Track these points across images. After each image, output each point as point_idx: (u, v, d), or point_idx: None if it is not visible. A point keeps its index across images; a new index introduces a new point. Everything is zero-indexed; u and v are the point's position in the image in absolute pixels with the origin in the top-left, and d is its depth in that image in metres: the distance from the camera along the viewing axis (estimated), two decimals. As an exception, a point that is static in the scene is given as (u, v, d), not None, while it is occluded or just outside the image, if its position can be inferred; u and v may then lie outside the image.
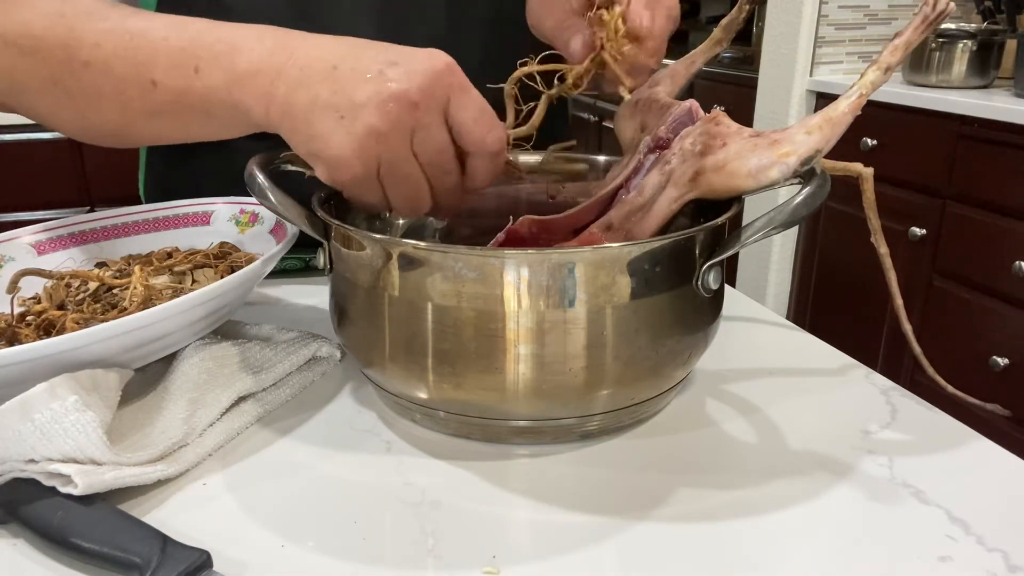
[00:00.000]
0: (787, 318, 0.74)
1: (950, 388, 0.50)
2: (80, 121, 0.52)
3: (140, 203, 0.69)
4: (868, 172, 0.46)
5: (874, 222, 0.47)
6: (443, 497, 0.40)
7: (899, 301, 0.49)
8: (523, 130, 0.51)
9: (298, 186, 0.47)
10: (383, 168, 0.43)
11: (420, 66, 0.42)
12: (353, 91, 0.42)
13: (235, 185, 0.63)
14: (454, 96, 0.43)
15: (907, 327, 0.50)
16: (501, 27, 0.66)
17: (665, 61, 0.62)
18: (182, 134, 0.51)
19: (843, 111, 0.42)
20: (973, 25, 1.83)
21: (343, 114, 0.42)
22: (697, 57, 0.58)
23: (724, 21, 0.58)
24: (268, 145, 0.49)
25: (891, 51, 0.42)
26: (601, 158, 0.59)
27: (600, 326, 0.40)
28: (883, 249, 0.48)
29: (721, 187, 0.43)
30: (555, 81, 0.51)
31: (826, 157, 0.43)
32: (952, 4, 0.41)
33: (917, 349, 0.50)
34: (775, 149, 0.42)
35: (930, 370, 0.50)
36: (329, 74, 0.43)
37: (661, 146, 0.48)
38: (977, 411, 0.50)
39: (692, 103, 0.48)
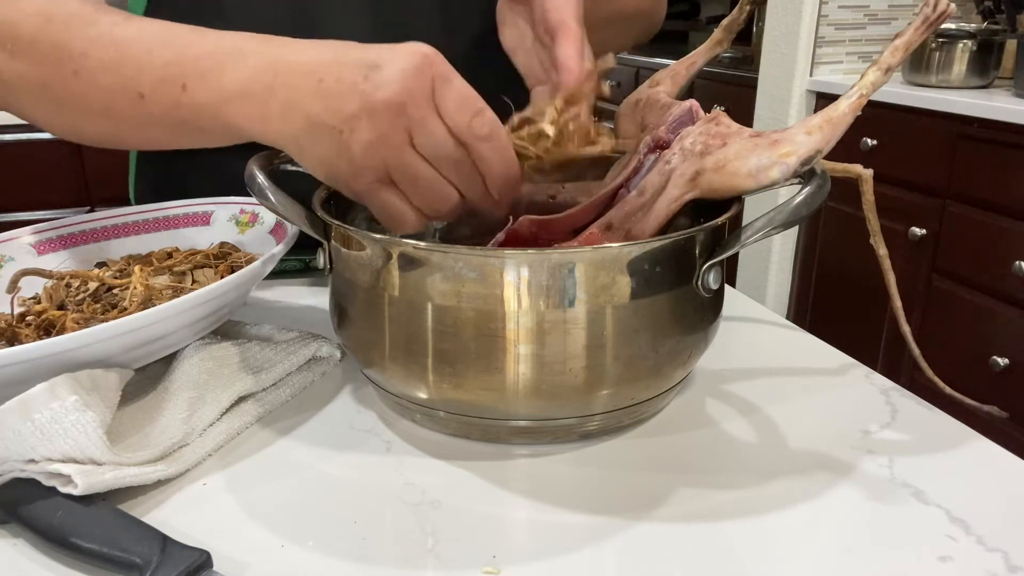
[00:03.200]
0: (787, 318, 0.74)
1: (948, 389, 0.50)
2: (71, 127, 0.52)
3: (131, 205, 0.69)
4: (868, 174, 0.46)
5: (873, 224, 0.47)
6: (443, 497, 0.40)
7: (898, 303, 0.49)
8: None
9: (298, 186, 0.47)
10: (393, 174, 0.43)
11: (400, 64, 0.41)
12: (343, 104, 0.42)
13: (228, 187, 0.63)
14: (437, 86, 0.42)
15: (906, 328, 0.50)
16: (494, 20, 0.66)
17: (666, 61, 0.62)
18: (175, 143, 0.51)
19: (843, 111, 0.42)
20: (973, 25, 1.83)
21: (341, 129, 0.42)
22: (698, 57, 0.58)
23: (725, 22, 0.58)
24: (261, 146, 0.49)
25: (891, 52, 0.42)
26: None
27: (600, 326, 0.40)
28: (882, 251, 0.48)
29: (721, 187, 0.43)
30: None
31: (826, 158, 0.43)
32: (953, 5, 0.41)
33: (916, 351, 0.50)
34: (776, 149, 0.42)
35: (928, 371, 0.50)
36: (317, 89, 0.42)
37: (661, 146, 0.48)
38: (975, 413, 0.50)
39: (692, 103, 0.48)
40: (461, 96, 0.43)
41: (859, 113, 0.42)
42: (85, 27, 0.49)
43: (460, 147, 0.43)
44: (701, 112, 0.47)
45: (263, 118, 0.44)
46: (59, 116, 0.52)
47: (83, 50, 0.48)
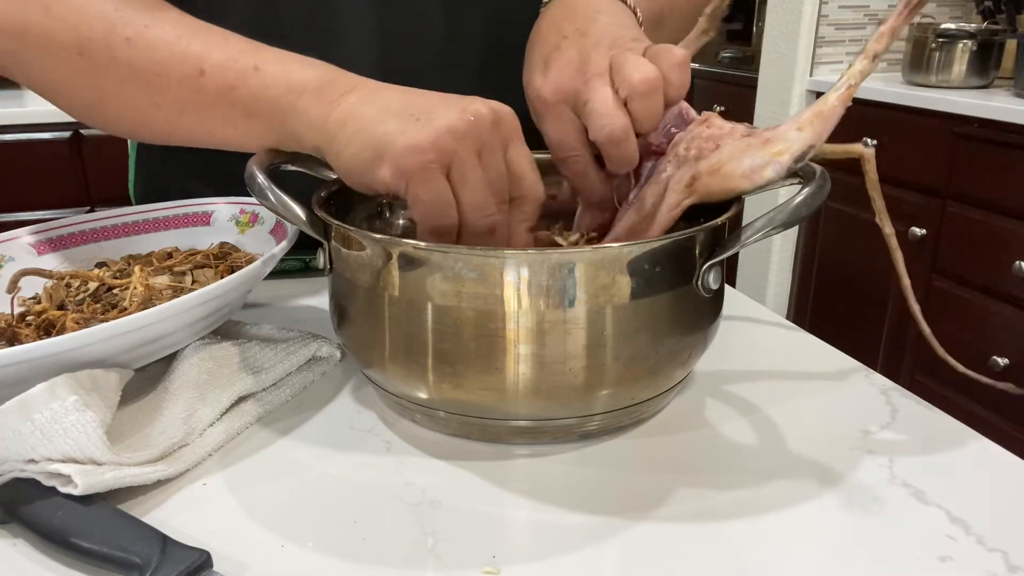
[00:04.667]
0: (787, 318, 0.74)
1: (961, 367, 0.49)
2: (94, 98, 0.51)
3: (132, 205, 0.68)
4: (870, 152, 0.45)
5: (878, 202, 0.46)
6: (443, 497, 0.40)
7: (906, 281, 0.48)
8: None
9: (298, 186, 0.47)
10: (456, 166, 0.42)
11: (494, 104, 0.43)
12: (430, 105, 0.42)
13: (228, 187, 0.63)
14: (515, 140, 0.44)
15: (915, 307, 0.48)
16: (500, 26, 0.66)
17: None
18: (207, 132, 0.50)
19: (833, 104, 0.42)
20: (973, 25, 1.83)
21: (418, 116, 0.42)
22: (685, 49, 0.57)
23: (708, 9, 0.57)
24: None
25: (877, 39, 0.42)
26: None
27: (600, 326, 0.40)
28: (888, 229, 0.47)
29: (718, 190, 0.43)
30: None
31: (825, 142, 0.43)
32: None
33: (927, 330, 0.49)
34: (768, 148, 0.42)
35: (940, 350, 0.49)
36: (405, 93, 0.44)
37: (655, 151, 0.48)
38: (990, 389, 0.49)
39: (682, 105, 0.47)
40: (532, 160, 0.45)
41: (849, 103, 0.42)
42: (155, 9, 0.49)
43: (506, 194, 0.45)
44: (692, 112, 0.47)
45: (331, 105, 0.45)
46: (86, 85, 0.50)
47: (146, 22, 0.48)
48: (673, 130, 0.47)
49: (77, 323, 0.47)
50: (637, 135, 0.47)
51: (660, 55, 0.46)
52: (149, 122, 0.51)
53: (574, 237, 0.52)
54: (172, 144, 0.53)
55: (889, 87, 1.84)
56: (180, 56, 0.47)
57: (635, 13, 0.53)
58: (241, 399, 0.47)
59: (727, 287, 0.51)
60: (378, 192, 0.44)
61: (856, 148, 0.45)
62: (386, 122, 0.42)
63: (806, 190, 0.41)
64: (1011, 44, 1.81)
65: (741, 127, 0.44)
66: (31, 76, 0.52)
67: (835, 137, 0.43)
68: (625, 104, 0.45)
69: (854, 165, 0.46)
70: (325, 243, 0.46)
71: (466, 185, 0.42)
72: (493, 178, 0.43)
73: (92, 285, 0.52)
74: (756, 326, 0.62)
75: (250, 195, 0.45)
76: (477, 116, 0.42)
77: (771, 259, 2.20)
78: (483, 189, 0.43)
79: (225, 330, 0.54)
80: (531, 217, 0.46)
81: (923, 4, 0.41)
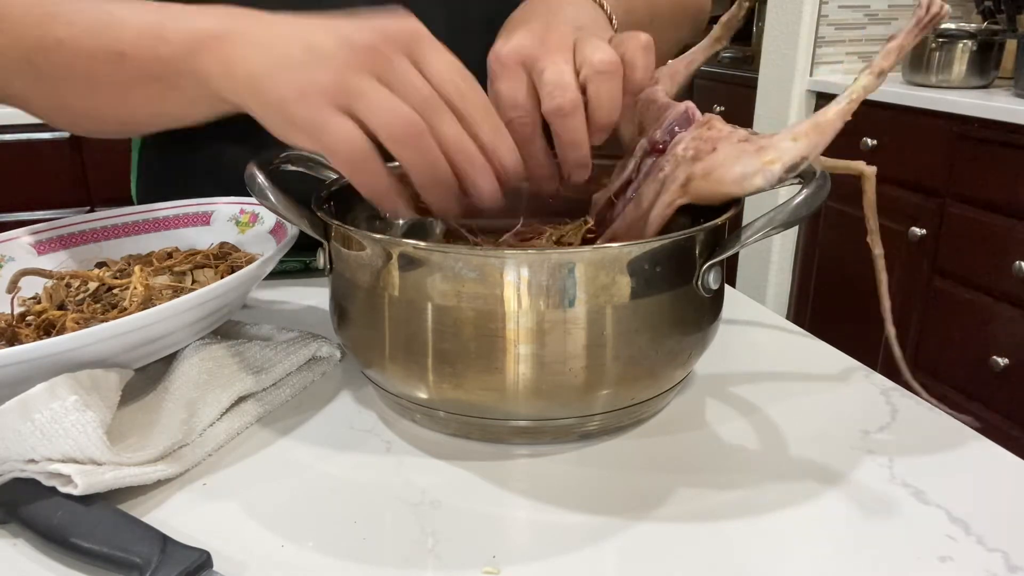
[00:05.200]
0: (787, 318, 0.74)
1: (924, 394, 0.50)
2: (50, 101, 0.52)
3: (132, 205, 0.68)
4: (870, 171, 0.45)
5: (871, 223, 0.47)
6: (443, 497, 0.40)
7: (886, 303, 0.49)
8: None
9: (298, 186, 0.47)
10: (353, 101, 0.39)
11: (387, 21, 0.41)
12: (312, 42, 0.41)
13: (228, 187, 0.63)
14: (423, 48, 0.42)
15: (891, 330, 0.50)
16: (500, 27, 0.66)
17: (665, 58, 0.61)
18: (151, 112, 0.50)
19: (831, 117, 0.41)
20: (973, 25, 1.83)
21: (303, 59, 0.40)
22: (697, 55, 0.58)
23: (724, 18, 0.58)
24: (259, 146, 0.49)
25: (884, 56, 0.42)
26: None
27: (600, 326, 0.40)
28: (878, 251, 0.47)
29: (709, 193, 0.43)
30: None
31: (827, 154, 0.43)
32: (947, 7, 0.41)
33: (898, 352, 0.50)
34: (760, 156, 0.41)
35: (907, 374, 0.50)
36: (286, 29, 0.42)
37: (657, 150, 0.48)
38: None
39: (688, 105, 0.47)
40: (452, 61, 0.42)
41: (849, 118, 0.42)
42: (76, 1, 0.49)
43: (437, 97, 0.41)
44: (698, 114, 0.47)
45: (228, 60, 0.43)
46: (41, 91, 0.51)
47: (70, 19, 0.48)
48: (676, 128, 0.47)
49: (77, 323, 0.47)
50: (591, 125, 0.45)
51: (625, 40, 0.45)
52: (104, 115, 0.51)
53: (569, 227, 0.52)
54: (141, 132, 0.54)
55: (889, 87, 1.84)
56: (104, 44, 0.47)
57: (611, 20, 0.53)
58: (241, 399, 0.47)
59: (727, 287, 0.51)
60: None
61: (857, 165, 0.45)
62: (276, 80, 0.41)
63: (806, 190, 0.41)
64: (1011, 44, 1.82)
65: (742, 131, 0.44)
66: (3, 93, 0.53)
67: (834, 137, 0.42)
68: (584, 87, 0.44)
69: (856, 160, 0.46)
70: (325, 243, 0.46)
71: (371, 112, 0.40)
72: (409, 92, 0.41)
73: (92, 285, 0.52)
74: (756, 327, 0.62)
75: (250, 195, 0.45)
76: (358, 45, 0.40)
77: (771, 259, 2.20)
78: (388, 100, 0.40)
79: (225, 330, 0.54)
80: (492, 129, 0.43)
81: (935, 23, 0.41)
